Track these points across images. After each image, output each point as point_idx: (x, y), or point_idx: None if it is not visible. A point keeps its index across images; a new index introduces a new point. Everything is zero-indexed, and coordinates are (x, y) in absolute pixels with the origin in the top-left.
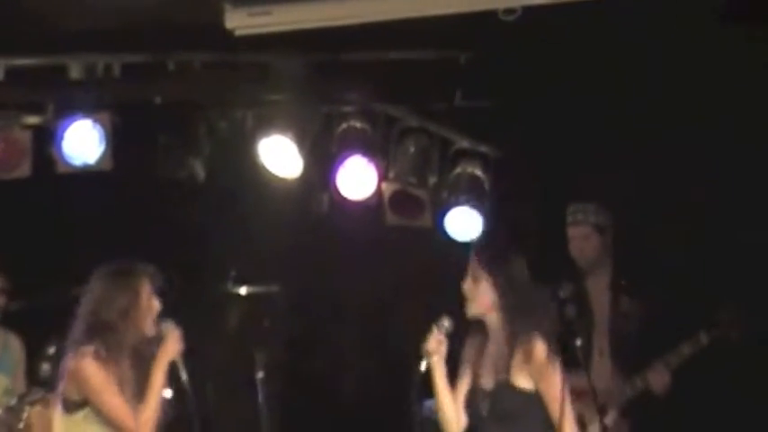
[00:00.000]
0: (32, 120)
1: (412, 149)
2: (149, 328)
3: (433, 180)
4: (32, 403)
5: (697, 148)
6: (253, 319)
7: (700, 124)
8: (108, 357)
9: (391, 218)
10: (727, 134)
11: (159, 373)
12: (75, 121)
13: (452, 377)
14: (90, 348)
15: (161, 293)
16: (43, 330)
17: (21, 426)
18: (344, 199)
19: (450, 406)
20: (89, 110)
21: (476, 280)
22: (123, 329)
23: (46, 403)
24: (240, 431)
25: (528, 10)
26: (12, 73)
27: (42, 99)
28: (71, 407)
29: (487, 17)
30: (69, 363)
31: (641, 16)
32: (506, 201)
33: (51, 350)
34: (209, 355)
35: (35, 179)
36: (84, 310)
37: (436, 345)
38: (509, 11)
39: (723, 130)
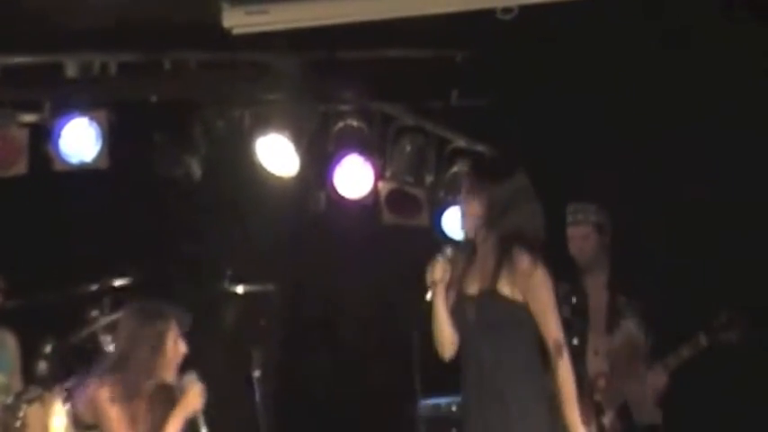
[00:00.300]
0: (29, 118)
1: (408, 148)
2: (171, 374)
3: (429, 179)
4: (29, 401)
5: (697, 146)
6: (249, 317)
7: (699, 123)
8: (124, 395)
9: (388, 217)
10: (727, 133)
11: (176, 423)
12: (72, 119)
13: None
14: (109, 381)
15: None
16: (40, 328)
17: (18, 424)
18: (341, 198)
19: (448, 330)
20: (85, 108)
21: (468, 195)
22: (145, 372)
23: (43, 401)
24: (237, 430)
25: (525, 9)
26: (8, 71)
27: (39, 97)
28: (81, 427)
29: (484, 16)
30: (89, 390)
31: (639, 15)
32: None
33: (48, 348)
34: (206, 354)
35: (32, 177)
36: (111, 347)
37: (441, 272)
38: (506, 10)
39: (723, 128)
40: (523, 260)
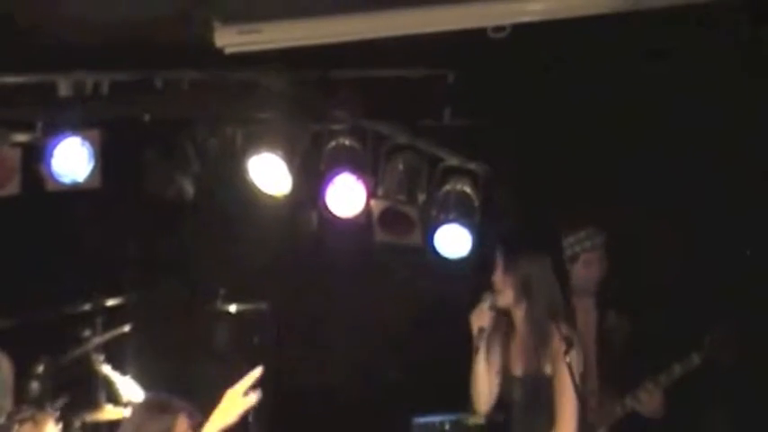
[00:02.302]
0: (22, 137)
1: (401, 167)
2: None
3: (422, 197)
4: (21, 422)
5: (689, 165)
6: (242, 336)
7: (692, 142)
8: None
9: (380, 235)
10: (721, 152)
11: None
12: (64, 138)
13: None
14: None
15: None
16: (32, 348)
17: None
18: (334, 216)
19: (485, 385)
20: (78, 127)
21: (504, 274)
22: None
23: (35, 421)
24: None
25: (517, 28)
26: (0, 90)
27: (31, 117)
28: None
29: (476, 35)
30: None
31: (631, 34)
32: (495, 218)
33: (40, 368)
34: (198, 373)
35: (24, 197)
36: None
37: (488, 320)
38: (498, 29)
39: (717, 147)
40: (556, 339)
